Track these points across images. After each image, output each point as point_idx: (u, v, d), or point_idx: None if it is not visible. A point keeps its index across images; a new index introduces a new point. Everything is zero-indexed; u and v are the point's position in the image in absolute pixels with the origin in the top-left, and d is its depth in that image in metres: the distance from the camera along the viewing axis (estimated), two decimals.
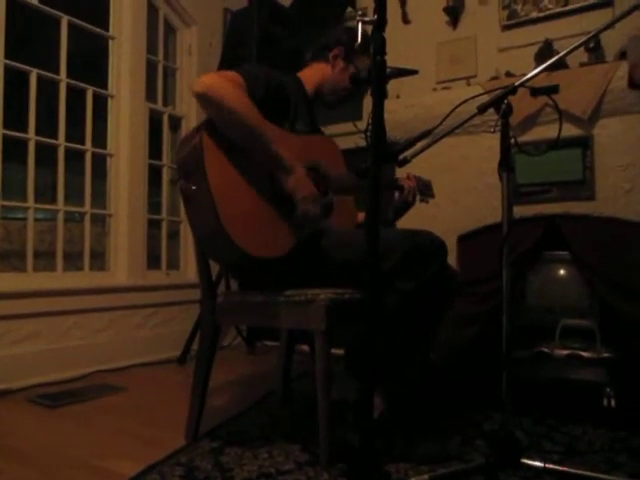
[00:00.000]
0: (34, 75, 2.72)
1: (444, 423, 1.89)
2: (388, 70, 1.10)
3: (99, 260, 3.11)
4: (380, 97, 1.07)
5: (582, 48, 2.36)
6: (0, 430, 1.89)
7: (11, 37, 2.61)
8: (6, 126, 2.57)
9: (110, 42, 3.14)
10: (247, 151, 1.59)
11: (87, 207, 2.98)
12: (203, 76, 1.53)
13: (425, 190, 2.08)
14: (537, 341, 2.36)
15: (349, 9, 3.58)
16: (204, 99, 1.52)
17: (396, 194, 1.98)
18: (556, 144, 1.60)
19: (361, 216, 2.05)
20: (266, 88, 1.66)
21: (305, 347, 2.95)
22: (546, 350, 2.30)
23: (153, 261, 3.36)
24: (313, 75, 1.95)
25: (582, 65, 2.55)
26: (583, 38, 1.44)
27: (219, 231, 1.48)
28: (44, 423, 1.98)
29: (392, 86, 2.97)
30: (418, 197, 2.03)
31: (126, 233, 3.11)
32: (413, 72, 1.54)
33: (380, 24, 1.07)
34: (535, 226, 2.49)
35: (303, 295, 1.61)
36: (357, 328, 1.68)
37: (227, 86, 1.54)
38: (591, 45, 2.59)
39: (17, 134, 2.65)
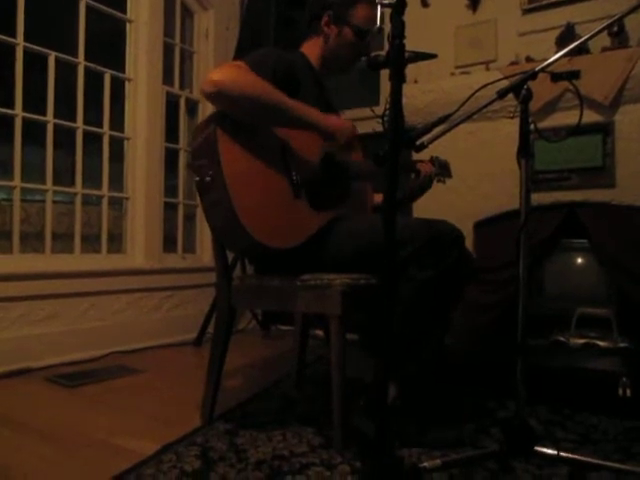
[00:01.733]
0: (52, 58, 2.73)
1: (458, 409, 1.89)
2: (406, 54, 1.09)
3: (116, 243, 3.14)
4: (398, 82, 1.06)
5: (605, 32, 2.30)
6: (19, 408, 1.93)
7: (30, 20, 2.62)
8: (25, 109, 2.60)
9: (128, 25, 3.14)
10: (261, 140, 1.58)
11: (104, 190, 3.00)
12: (210, 74, 1.49)
13: (442, 170, 2.05)
14: (553, 330, 2.35)
15: None
16: (217, 96, 1.47)
17: (412, 176, 1.96)
18: (576, 130, 1.57)
19: (377, 197, 2.03)
20: (273, 73, 1.62)
21: (319, 332, 2.97)
22: (562, 339, 2.28)
23: (169, 244, 3.39)
24: (313, 51, 1.92)
25: (604, 50, 2.51)
26: (606, 22, 1.40)
27: (234, 222, 1.47)
28: (62, 402, 2.01)
29: (410, 70, 2.93)
30: (435, 179, 2.02)
31: (143, 216, 3.13)
32: (432, 56, 1.52)
33: (399, 7, 1.06)
34: (553, 213, 2.47)
35: (319, 280, 1.61)
36: (373, 312, 1.68)
37: (237, 74, 1.51)
38: (614, 29, 2.53)
39: (36, 117, 2.67)
